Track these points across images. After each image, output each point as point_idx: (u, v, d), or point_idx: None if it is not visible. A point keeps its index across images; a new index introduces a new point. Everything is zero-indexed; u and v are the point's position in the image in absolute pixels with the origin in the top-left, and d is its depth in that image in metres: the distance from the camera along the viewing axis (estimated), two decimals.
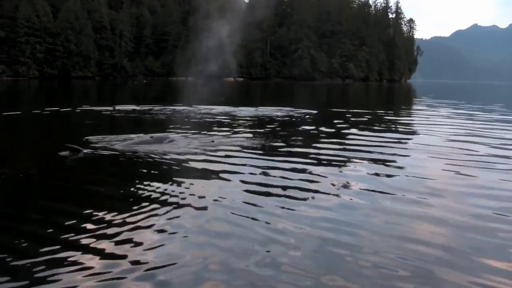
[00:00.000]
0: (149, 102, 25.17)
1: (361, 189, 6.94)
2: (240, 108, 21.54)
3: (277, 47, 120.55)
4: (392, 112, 23.50)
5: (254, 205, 6.03)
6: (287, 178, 7.51)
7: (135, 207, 5.80)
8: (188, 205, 5.96)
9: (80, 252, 4.45)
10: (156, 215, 5.55)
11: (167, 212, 5.66)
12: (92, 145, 10.25)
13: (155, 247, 4.60)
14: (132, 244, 4.65)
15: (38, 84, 61.41)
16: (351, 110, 23.37)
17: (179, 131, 13.14)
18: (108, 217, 5.47)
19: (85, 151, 9.53)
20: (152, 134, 11.29)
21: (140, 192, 6.55)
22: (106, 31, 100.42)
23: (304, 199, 6.36)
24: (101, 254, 4.44)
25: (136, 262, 4.25)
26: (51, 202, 6.32)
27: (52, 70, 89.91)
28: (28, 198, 6.48)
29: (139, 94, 42.88)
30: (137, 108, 21.44)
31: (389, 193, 6.73)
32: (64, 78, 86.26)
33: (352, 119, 18.17)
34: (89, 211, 5.72)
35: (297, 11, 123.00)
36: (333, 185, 7.18)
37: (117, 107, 21.42)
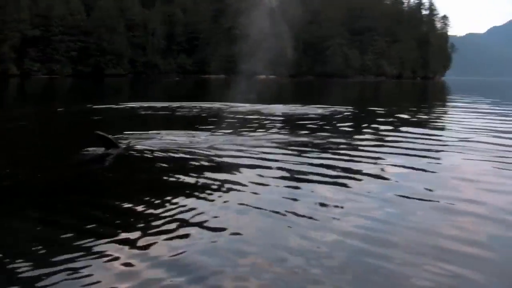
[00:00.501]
0: (181, 99, 24.99)
1: (404, 188, 6.45)
2: (273, 105, 21.08)
3: (309, 44, 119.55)
4: (429, 110, 22.84)
5: (293, 200, 5.78)
6: (328, 176, 7.11)
7: (174, 204, 5.52)
8: (228, 207, 5.52)
9: (124, 251, 4.16)
10: (200, 213, 5.21)
11: (206, 211, 5.26)
12: (124, 141, 9.97)
13: (187, 250, 4.19)
14: (175, 244, 4.32)
15: (72, 81, 62.44)
16: (389, 108, 22.73)
17: (216, 127, 12.84)
18: (151, 214, 5.18)
19: (124, 146, 9.28)
20: (184, 131, 11.01)
21: (176, 190, 6.15)
22: (139, 29, 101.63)
23: (343, 200, 5.87)
24: (146, 253, 4.12)
25: (184, 263, 3.93)
26: (89, 197, 6.13)
27: (85, 68, 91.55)
28: (66, 193, 6.20)
29: (172, 92, 43.01)
30: (167, 105, 21.28)
31: (434, 191, 6.31)
32: (97, 75, 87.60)
33: (391, 116, 17.56)
34: (130, 206, 5.55)
35: (329, 8, 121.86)
36: (374, 182, 6.78)
37: (146, 104, 21.33)
